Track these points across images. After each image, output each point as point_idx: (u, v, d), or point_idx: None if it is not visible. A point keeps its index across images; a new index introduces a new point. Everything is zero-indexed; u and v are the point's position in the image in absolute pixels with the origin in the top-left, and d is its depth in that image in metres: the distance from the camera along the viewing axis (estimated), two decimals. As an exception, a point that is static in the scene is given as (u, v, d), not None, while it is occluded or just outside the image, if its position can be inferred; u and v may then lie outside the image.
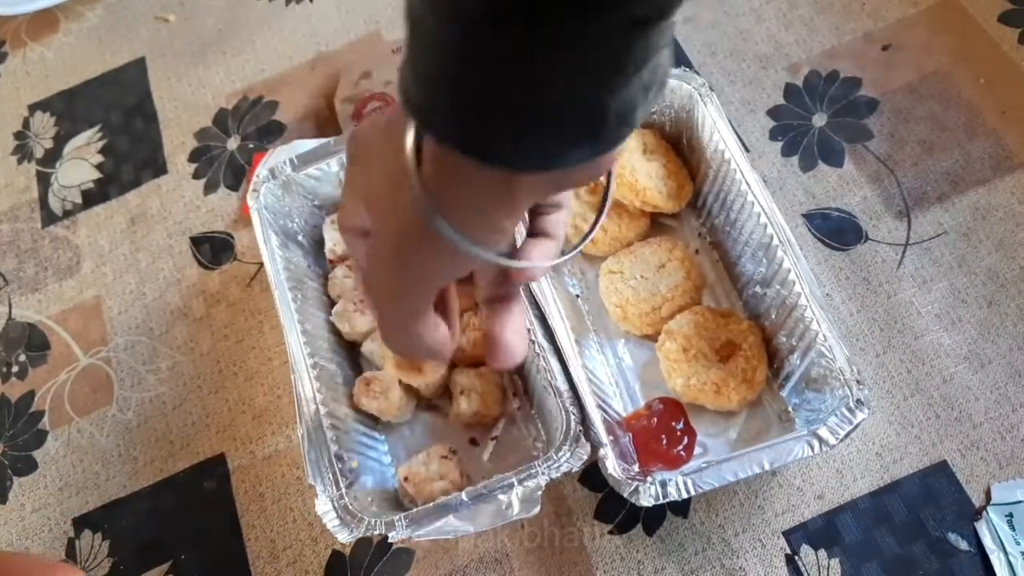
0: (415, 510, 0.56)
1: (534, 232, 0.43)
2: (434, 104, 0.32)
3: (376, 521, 0.55)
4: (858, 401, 0.54)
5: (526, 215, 0.42)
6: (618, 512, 0.62)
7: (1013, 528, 0.58)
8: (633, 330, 0.65)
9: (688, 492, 0.54)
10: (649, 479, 0.54)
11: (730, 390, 0.60)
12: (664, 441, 0.60)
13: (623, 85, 0.30)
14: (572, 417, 0.57)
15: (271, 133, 0.82)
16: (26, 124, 0.87)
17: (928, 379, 0.63)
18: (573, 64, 0.29)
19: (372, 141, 0.40)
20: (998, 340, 0.64)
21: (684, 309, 0.64)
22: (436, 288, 0.41)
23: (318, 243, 0.72)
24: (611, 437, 0.56)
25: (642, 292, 0.65)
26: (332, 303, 0.69)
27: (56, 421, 0.72)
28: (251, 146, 0.81)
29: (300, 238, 0.71)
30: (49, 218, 0.81)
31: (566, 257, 0.44)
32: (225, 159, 0.81)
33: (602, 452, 0.55)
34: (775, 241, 0.60)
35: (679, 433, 0.60)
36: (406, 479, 0.61)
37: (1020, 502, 0.59)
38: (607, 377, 0.64)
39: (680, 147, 0.70)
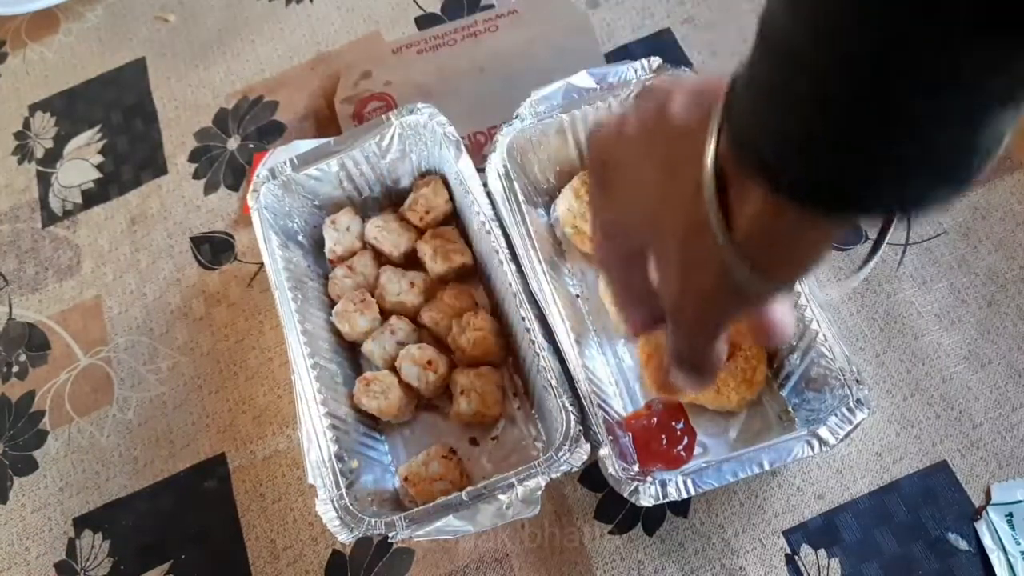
0: (415, 510, 0.56)
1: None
2: (790, 153, 0.31)
3: (376, 521, 0.55)
4: (858, 401, 0.55)
5: None
6: (618, 512, 0.62)
7: (1013, 528, 0.58)
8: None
9: (688, 492, 0.54)
10: (649, 479, 0.54)
11: (730, 390, 0.60)
12: (664, 441, 0.60)
13: (993, 120, 0.29)
14: (572, 417, 0.57)
15: (271, 133, 0.82)
16: (26, 124, 0.87)
17: (928, 379, 0.64)
18: (955, 110, 0.28)
19: (636, 171, 0.40)
20: (998, 340, 0.64)
21: (684, 309, 0.64)
22: (737, 317, 0.41)
23: (318, 243, 0.72)
24: (611, 437, 0.56)
25: (642, 292, 0.65)
26: (332, 303, 0.69)
27: (56, 421, 0.72)
28: (251, 146, 0.81)
29: (300, 238, 0.71)
30: (49, 218, 0.81)
31: (860, 277, 0.42)
32: (225, 159, 0.81)
33: (602, 452, 0.56)
34: (775, 241, 0.60)
35: (679, 433, 0.60)
36: (406, 479, 0.61)
37: (1020, 502, 0.59)
38: (607, 377, 0.64)
39: (680, 147, 0.70)
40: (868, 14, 0.26)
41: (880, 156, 0.29)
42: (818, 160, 0.30)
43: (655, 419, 0.61)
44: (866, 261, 0.40)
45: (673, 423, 0.61)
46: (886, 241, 0.39)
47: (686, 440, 0.60)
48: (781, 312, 0.43)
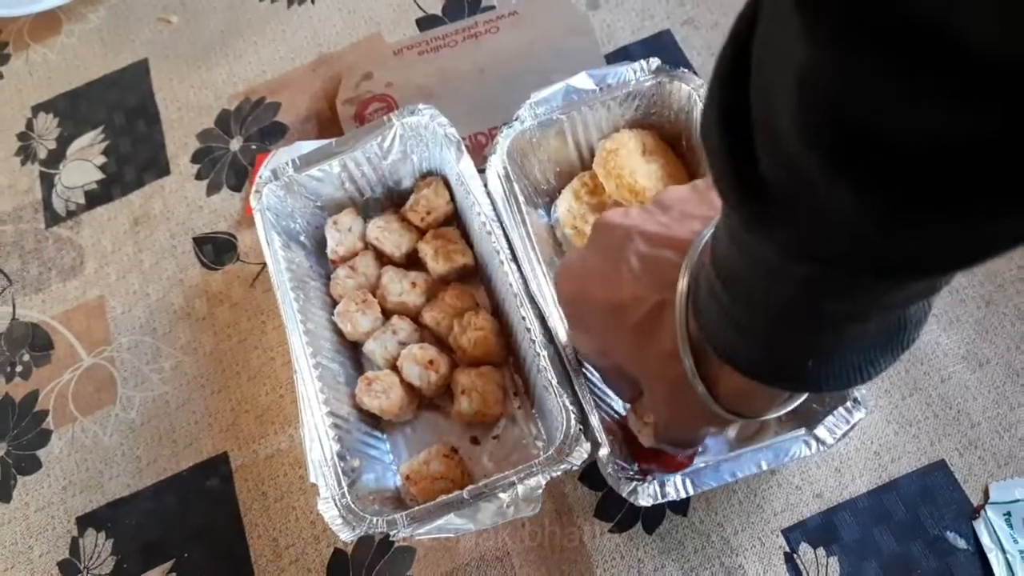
0: (416, 508, 0.56)
1: None
2: (746, 348, 0.36)
3: (378, 520, 0.56)
4: (855, 400, 0.55)
5: None
6: (618, 510, 0.63)
7: (1011, 527, 0.58)
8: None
9: (686, 492, 0.54)
10: (648, 479, 0.55)
11: None
12: None
13: (916, 308, 0.34)
14: (572, 416, 0.57)
15: (273, 134, 0.82)
16: (29, 125, 0.88)
17: (926, 378, 0.64)
18: (876, 318, 0.33)
19: (613, 333, 0.47)
20: (996, 340, 0.64)
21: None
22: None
23: (320, 243, 0.72)
24: (610, 436, 0.56)
25: (642, 292, 0.65)
26: (334, 303, 0.69)
27: (60, 420, 0.72)
28: (253, 147, 0.82)
29: (302, 239, 0.71)
30: (52, 219, 0.82)
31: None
32: (228, 160, 0.82)
33: (601, 452, 0.56)
34: (774, 241, 0.60)
35: None
36: (408, 478, 0.61)
37: (1018, 501, 0.59)
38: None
39: (679, 148, 0.70)
40: (789, 263, 0.31)
41: (814, 355, 0.34)
42: (763, 354, 0.36)
43: None
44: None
45: None
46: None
47: None
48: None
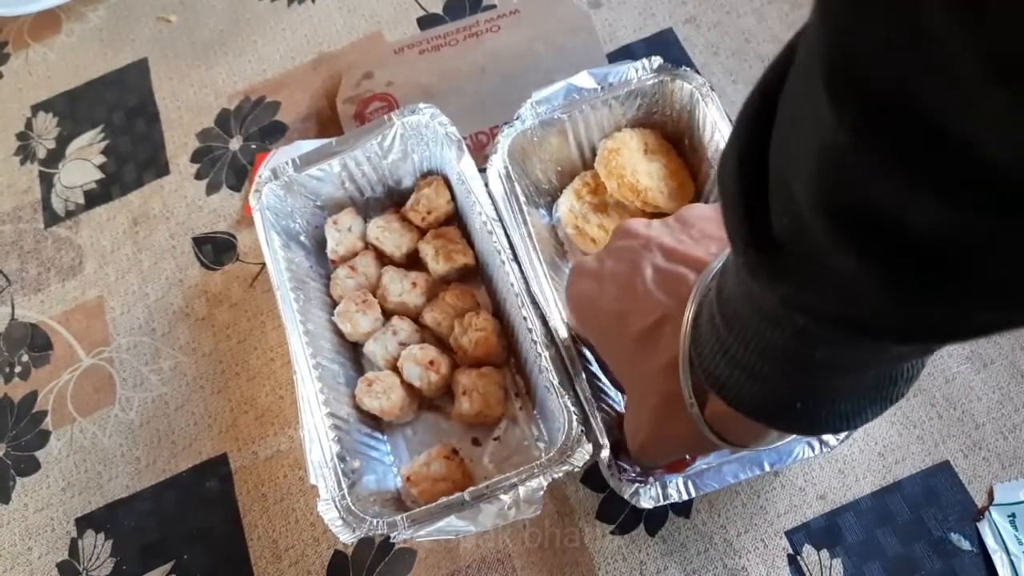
0: (417, 510, 0.56)
1: None
2: (736, 381, 0.37)
3: (378, 521, 0.55)
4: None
5: None
6: (620, 512, 0.62)
7: (1016, 528, 0.58)
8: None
9: (689, 494, 0.54)
10: (649, 481, 0.54)
11: None
12: None
13: (909, 364, 0.35)
14: (574, 417, 0.57)
15: (273, 133, 0.82)
16: (29, 125, 0.87)
17: (930, 379, 0.63)
18: (871, 376, 0.35)
19: (616, 338, 0.48)
20: (1000, 340, 0.64)
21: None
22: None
23: (320, 244, 0.72)
24: (612, 438, 0.56)
25: (644, 292, 0.65)
26: (334, 303, 0.69)
27: (59, 421, 0.72)
28: (253, 146, 0.82)
29: (302, 238, 0.71)
30: (52, 219, 0.82)
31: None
32: (227, 159, 0.81)
33: (603, 453, 0.55)
34: (777, 241, 0.60)
35: None
36: (408, 479, 0.61)
37: (1023, 502, 0.59)
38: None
39: (681, 147, 0.70)
40: (788, 313, 0.31)
41: (803, 398, 0.35)
42: (752, 390, 0.36)
43: None
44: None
45: None
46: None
47: None
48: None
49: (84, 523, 0.68)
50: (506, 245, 0.63)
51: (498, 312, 0.68)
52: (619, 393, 0.63)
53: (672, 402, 0.43)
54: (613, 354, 0.50)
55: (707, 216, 0.48)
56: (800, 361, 0.33)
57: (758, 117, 0.28)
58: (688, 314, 0.41)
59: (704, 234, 0.46)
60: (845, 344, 0.31)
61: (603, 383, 0.60)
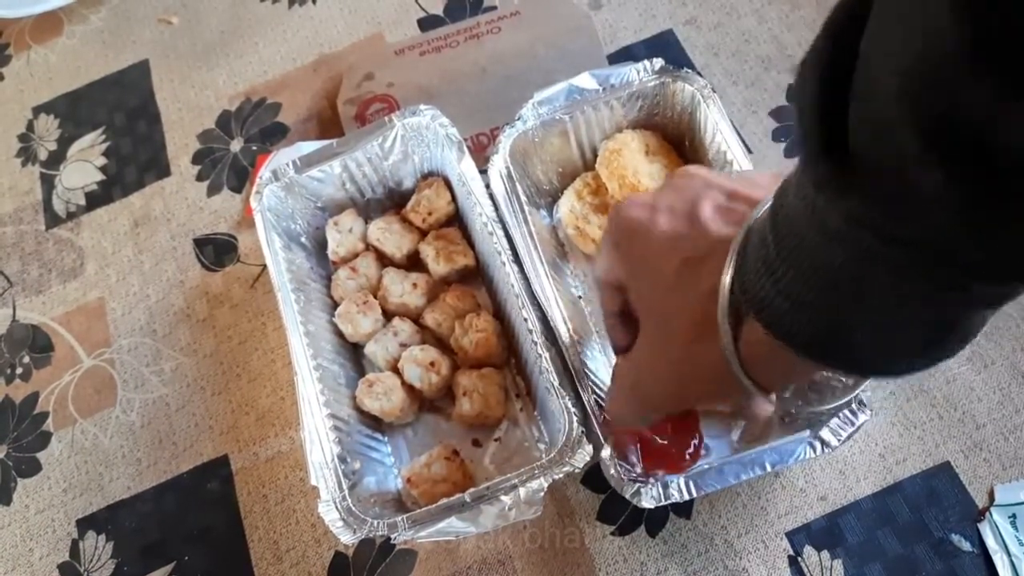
0: (418, 511, 0.56)
1: None
2: (777, 303, 0.34)
3: (379, 522, 0.55)
4: (860, 402, 0.54)
5: None
6: (621, 513, 0.62)
7: (1016, 529, 0.58)
8: (635, 331, 0.65)
9: (690, 494, 0.54)
10: (651, 481, 0.54)
11: None
12: (670, 445, 0.59)
13: (975, 316, 0.33)
14: (574, 418, 0.57)
15: (274, 135, 0.82)
16: (30, 126, 0.88)
17: (931, 380, 0.63)
18: (949, 304, 0.32)
19: (657, 258, 0.45)
20: (1001, 341, 0.64)
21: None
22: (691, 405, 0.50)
23: (321, 245, 0.72)
24: (613, 438, 0.56)
25: (644, 293, 0.65)
26: (335, 305, 0.69)
27: (60, 423, 0.72)
28: (254, 148, 0.82)
29: (303, 240, 0.71)
30: (53, 220, 0.82)
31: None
32: (228, 161, 0.81)
33: (604, 453, 0.55)
34: (777, 242, 0.59)
35: (687, 437, 0.59)
36: (409, 480, 0.61)
37: (1023, 503, 0.59)
38: (609, 378, 0.64)
39: (682, 148, 0.70)
40: (850, 231, 0.30)
41: (842, 329, 0.33)
42: (792, 314, 0.34)
43: (667, 424, 0.60)
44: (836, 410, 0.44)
45: (683, 427, 0.60)
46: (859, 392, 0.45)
47: (693, 445, 0.59)
48: (761, 407, 0.48)
49: (85, 524, 0.68)
50: (507, 246, 0.63)
51: (499, 313, 0.68)
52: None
53: (703, 329, 0.41)
54: (651, 280, 0.46)
55: (766, 174, 0.47)
56: (849, 286, 0.31)
57: (848, 22, 0.27)
58: (739, 236, 0.38)
59: (763, 186, 0.45)
60: (903, 272, 0.29)
61: (603, 384, 0.60)
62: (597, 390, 0.59)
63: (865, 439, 0.62)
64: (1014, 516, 0.58)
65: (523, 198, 0.64)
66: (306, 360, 0.62)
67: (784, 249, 0.33)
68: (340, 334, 0.67)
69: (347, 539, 0.55)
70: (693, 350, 0.42)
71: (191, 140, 0.83)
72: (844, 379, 0.55)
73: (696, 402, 0.46)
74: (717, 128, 0.64)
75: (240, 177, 0.80)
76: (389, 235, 0.70)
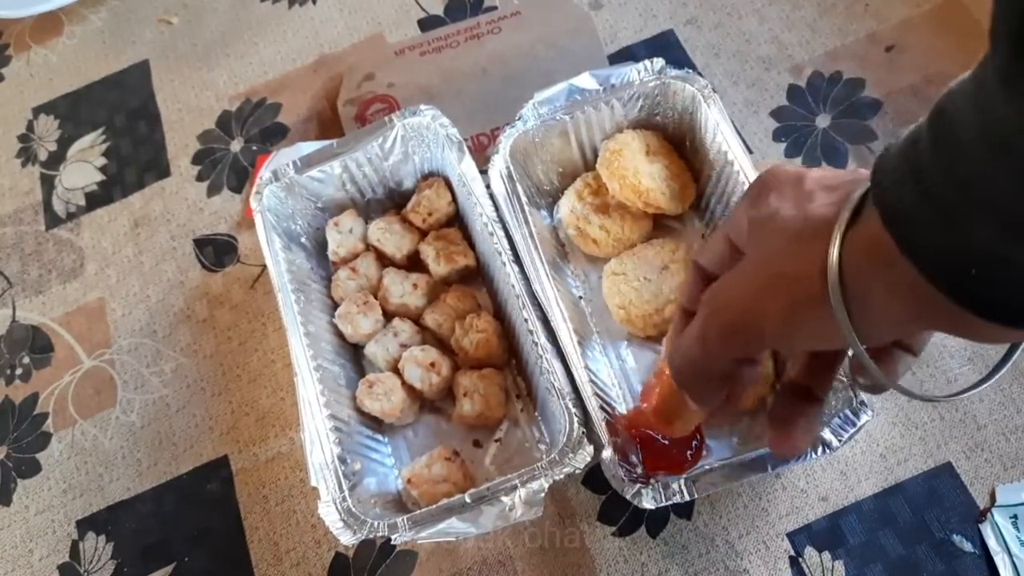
0: (418, 512, 0.56)
1: (899, 343, 0.41)
2: (920, 219, 0.30)
3: (379, 523, 0.55)
4: (861, 403, 0.54)
5: None
6: (621, 514, 0.62)
7: (1018, 529, 0.58)
8: (636, 332, 0.65)
9: (691, 495, 0.54)
10: (652, 481, 0.54)
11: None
12: (671, 445, 0.59)
13: None
14: (575, 419, 0.57)
15: (274, 135, 0.82)
16: (30, 127, 0.87)
17: (932, 380, 0.63)
18: None
19: (782, 197, 0.39)
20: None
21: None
22: (779, 345, 0.42)
23: (321, 245, 0.72)
24: (614, 439, 0.56)
25: (645, 294, 0.65)
26: (335, 305, 0.69)
27: (60, 423, 0.72)
28: (254, 148, 0.82)
29: (303, 240, 0.71)
30: (53, 221, 0.82)
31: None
32: (228, 161, 0.81)
33: (605, 454, 0.55)
34: (778, 242, 0.59)
35: (688, 438, 0.59)
36: (409, 481, 0.61)
37: (1025, 504, 0.59)
38: (610, 379, 0.64)
39: (683, 149, 0.70)
40: None
41: (996, 258, 0.29)
42: (940, 232, 0.29)
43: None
44: (993, 371, 0.38)
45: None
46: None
47: (694, 446, 0.59)
48: (803, 429, 0.44)
49: (85, 525, 0.68)
50: (507, 246, 0.63)
51: (499, 314, 0.68)
52: (620, 395, 0.63)
53: (811, 226, 0.36)
54: (773, 225, 0.40)
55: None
56: (1016, 200, 0.27)
57: None
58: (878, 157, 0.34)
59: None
60: None
61: (604, 384, 0.60)
62: (598, 390, 0.59)
63: (866, 440, 0.62)
64: (1015, 517, 0.58)
65: (523, 198, 0.64)
66: (306, 361, 0.61)
67: (942, 151, 0.29)
68: (340, 335, 0.67)
69: (347, 540, 0.55)
70: (792, 249, 0.37)
71: (191, 140, 0.83)
72: (844, 378, 0.55)
73: (769, 330, 0.38)
74: (718, 128, 0.64)
75: (240, 177, 0.80)
76: (389, 235, 0.70)
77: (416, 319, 0.68)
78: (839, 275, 0.34)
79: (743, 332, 0.39)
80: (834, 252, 0.34)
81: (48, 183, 0.84)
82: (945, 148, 0.29)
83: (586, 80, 0.67)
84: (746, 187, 0.57)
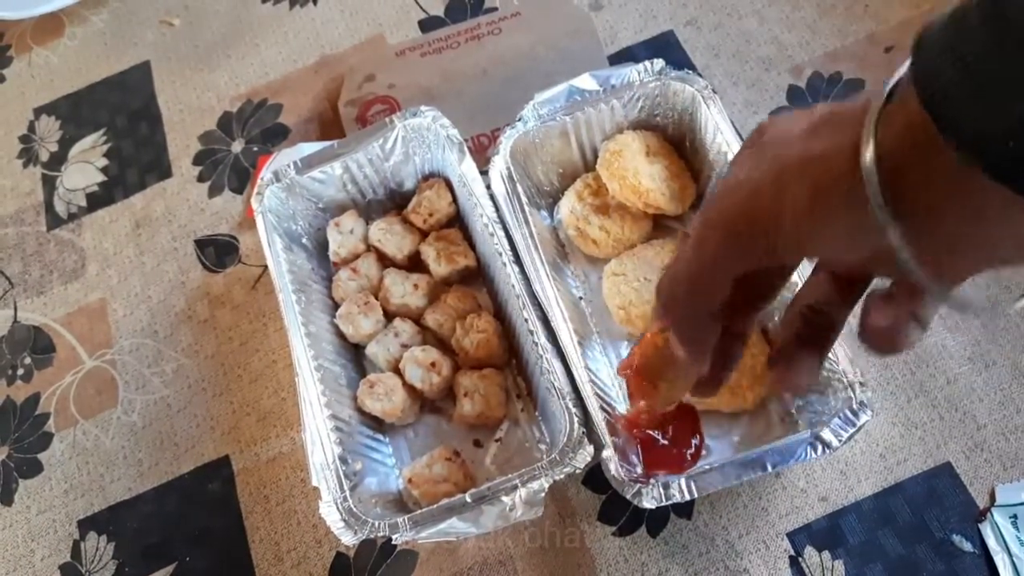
0: (419, 512, 0.56)
1: (912, 311, 0.37)
2: (959, 94, 0.27)
3: (380, 523, 0.55)
4: (861, 403, 0.54)
5: None
6: (622, 514, 0.62)
7: (1017, 529, 0.58)
8: (636, 332, 0.65)
9: (691, 494, 0.54)
10: (652, 481, 0.54)
11: (744, 390, 0.60)
12: (672, 445, 0.59)
13: None
14: (575, 419, 0.57)
15: (275, 136, 0.82)
16: (31, 128, 0.88)
17: (932, 380, 0.63)
18: None
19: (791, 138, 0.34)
20: (1002, 342, 0.64)
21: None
22: (793, 251, 0.35)
23: (322, 246, 0.72)
24: (614, 439, 0.56)
25: (645, 294, 0.65)
26: (336, 306, 0.69)
27: (61, 424, 0.72)
28: (255, 149, 0.82)
29: (304, 241, 0.71)
30: (54, 221, 0.82)
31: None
32: (229, 162, 0.81)
33: (605, 454, 0.55)
34: (778, 243, 0.59)
35: (688, 438, 0.59)
36: (410, 481, 0.61)
37: (1024, 504, 0.59)
38: (610, 379, 0.64)
39: (683, 149, 0.70)
40: None
41: None
42: (972, 107, 0.27)
43: (668, 426, 0.59)
44: None
45: (684, 427, 0.60)
46: None
47: (694, 445, 0.59)
48: (810, 364, 0.42)
49: (86, 525, 0.68)
50: (507, 247, 0.63)
51: (499, 314, 0.68)
52: (620, 395, 0.63)
53: (826, 122, 0.32)
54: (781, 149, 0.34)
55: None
56: None
57: None
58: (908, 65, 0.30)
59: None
60: None
61: (604, 384, 0.61)
62: (598, 390, 0.59)
63: (866, 440, 0.62)
64: (1015, 516, 0.58)
65: (524, 199, 0.64)
66: (307, 361, 0.62)
67: (994, 24, 0.26)
68: (341, 335, 0.68)
69: (348, 540, 0.55)
70: (814, 132, 0.33)
71: (192, 141, 0.83)
72: (844, 378, 0.55)
73: (787, 227, 0.33)
74: (718, 129, 0.64)
75: (241, 178, 0.80)
76: (390, 236, 0.70)
77: (417, 319, 0.68)
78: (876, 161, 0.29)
79: (749, 236, 0.34)
80: (872, 119, 0.30)
81: (49, 184, 0.84)
82: (995, 22, 0.26)
83: (586, 81, 0.67)
84: None
